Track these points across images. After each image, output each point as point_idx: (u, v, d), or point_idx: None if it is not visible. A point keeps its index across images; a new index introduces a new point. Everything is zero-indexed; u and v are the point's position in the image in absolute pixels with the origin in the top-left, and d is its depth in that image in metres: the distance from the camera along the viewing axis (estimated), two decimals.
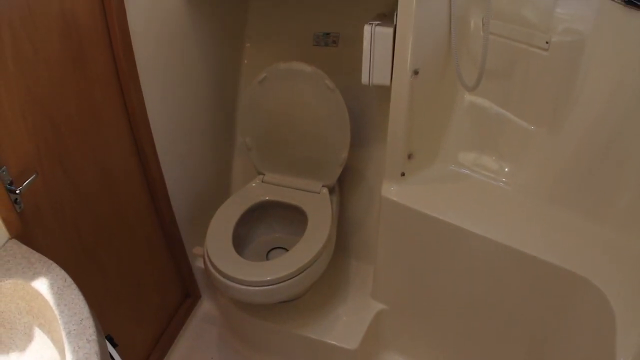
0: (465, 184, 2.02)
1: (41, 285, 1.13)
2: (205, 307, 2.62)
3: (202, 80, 2.25)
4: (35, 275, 1.16)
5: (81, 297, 1.10)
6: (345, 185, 2.49)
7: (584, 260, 1.72)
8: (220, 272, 1.95)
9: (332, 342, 2.19)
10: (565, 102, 1.87)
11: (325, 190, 2.30)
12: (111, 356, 1.24)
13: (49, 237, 1.58)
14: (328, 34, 2.27)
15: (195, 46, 2.15)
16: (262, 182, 2.36)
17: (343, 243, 2.59)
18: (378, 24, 1.77)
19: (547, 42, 1.85)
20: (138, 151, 1.97)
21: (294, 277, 1.95)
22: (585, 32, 1.81)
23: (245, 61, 2.48)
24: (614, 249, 1.77)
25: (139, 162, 1.99)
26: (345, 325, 2.25)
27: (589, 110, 1.83)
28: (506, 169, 2.02)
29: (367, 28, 1.77)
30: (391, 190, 1.95)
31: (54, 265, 1.20)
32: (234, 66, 2.45)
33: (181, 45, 2.07)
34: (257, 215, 2.33)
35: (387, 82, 1.79)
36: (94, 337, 1.02)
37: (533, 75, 1.90)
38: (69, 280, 1.15)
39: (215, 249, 2.03)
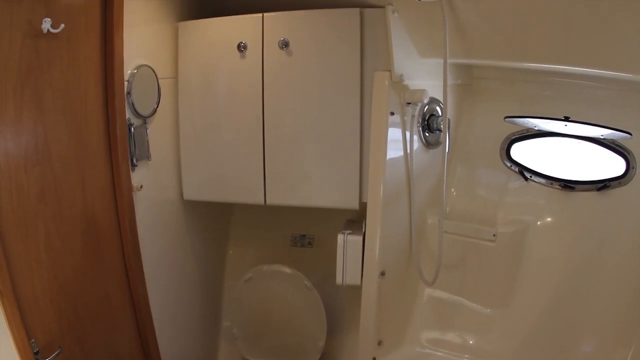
0: None
1: None
2: None
3: (194, 279, 2.52)
4: None
5: None
6: None
7: None
8: None
9: None
10: (513, 282, 2.19)
11: None
12: None
13: None
14: (304, 235, 2.60)
15: (189, 248, 2.46)
16: None
17: None
18: (350, 233, 2.10)
19: (494, 235, 2.20)
20: (140, 335, 2.18)
21: None
22: (528, 220, 2.18)
23: (230, 252, 2.76)
24: None
25: (140, 347, 2.18)
26: None
27: (535, 287, 2.16)
28: (468, 347, 2.28)
29: (340, 237, 2.09)
30: None
31: None
32: (220, 265, 2.73)
33: (178, 246, 2.39)
34: None
35: (358, 282, 2.09)
36: None
37: (483, 265, 2.24)
38: None
39: None
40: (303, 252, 2.63)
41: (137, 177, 2.08)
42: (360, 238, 2.08)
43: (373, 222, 2.02)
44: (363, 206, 2.12)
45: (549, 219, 2.20)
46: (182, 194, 2.36)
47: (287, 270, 2.38)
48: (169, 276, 2.34)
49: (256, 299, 2.46)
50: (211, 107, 2.28)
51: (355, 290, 2.11)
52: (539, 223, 2.20)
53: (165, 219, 2.31)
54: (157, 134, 2.21)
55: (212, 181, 2.31)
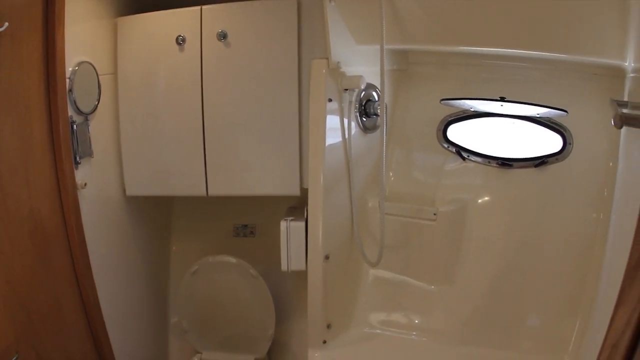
0: (380, 342, 2.30)
1: None
2: None
3: (141, 275, 2.52)
4: None
5: None
6: (274, 357, 2.73)
7: None
8: None
9: None
10: (456, 259, 2.25)
11: None
12: None
13: None
14: (246, 225, 2.61)
15: (134, 244, 2.46)
16: None
17: None
18: (292, 220, 2.12)
19: (434, 214, 2.25)
20: (93, 335, 2.17)
21: None
22: (467, 199, 2.23)
23: (174, 247, 2.75)
24: None
25: (94, 347, 2.18)
26: None
27: (478, 262, 2.21)
28: (415, 325, 2.32)
29: (283, 224, 2.12)
30: (316, 357, 2.19)
31: None
32: (165, 260, 2.73)
33: (123, 243, 2.39)
34: None
35: (303, 268, 2.12)
36: None
37: (426, 244, 2.29)
38: None
39: None
40: (246, 242, 2.66)
41: (81, 174, 2.07)
42: (302, 224, 2.11)
43: (315, 207, 2.05)
44: (304, 192, 2.16)
45: (488, 197, 2.26)
46: (124, 190, 2.35)
47: (232, 260, 2.40)
48: (116, 274, 2.33)
49: (203, 291, 2.47)
50: (151, 101, 2.28)
51: (301, 276, 2.14)
52: (478, 201, 2.26)
53: (109, 216, 2.31)
54: (99, 130, 2.20)
55: (153, 176, 2.31)
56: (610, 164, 2.05)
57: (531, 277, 2.20)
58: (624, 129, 1.74)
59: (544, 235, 2.20)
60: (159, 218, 2.70)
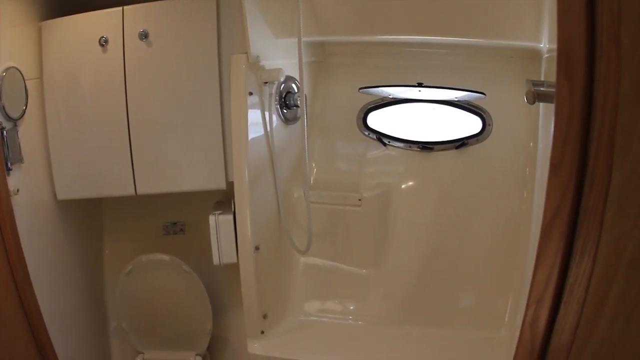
0: (317, 329, 2.36)
1: None
2: None
3: (77, 279, 2.52)
4: None
5: None
6: (215, 350, 2.75)
7: None
8: None
9: None
10: (383, 242, 2.30)
11: (198, 359, 2.56)
12: None
13: None
14: (175, 223, 2.63)
15: (67, 249, 2.45)
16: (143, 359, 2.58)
17: None
18: (220, 213, 2.15)
19: (359, 200, 2.31)
20: (36, 343, 2.13)
21: None
22: (391, 183, 2.29)
23: (107, 251, 2.75)
24: (460, 346, 2.17)
25: (39, 355, 2.16)
26: None
27: (406, 243, 2.27)
28: (351, 309, 2.38)
29: (211, 218, 2.15)
30: (255, 347, 2.23)
31: None
32: (98, 262, 2.72)
33: (57, 248, 2.38)
34: None
35: (235, 260, 2.15)
36: None
37: (353, 230, 2.34)
38: None
39: None
40: (177, 240, 2.68)
41: (13, 181, 2.05)
42: (230, 217, 2.14)
43: (241, 200, 2.09)
44: (230, 185, 2.19)
45: (412, 181, 2.33)
46: (55, 194, 2.35)
47: (165, 257, 2.41)
48: (53, 280, 2.32)
49: (140, 291, 2.48)
50: (76, 104, 2.28)
51: (234, 269, 2.17)
52: (402, 186, 2.33)
53: (42, 221, 2.30)
54: (28, 135, 2.18)
55: (83, 178, 2.31)
56: (531, 144, 2.13)
57: (461, 258, 2.28)
58: (542, 109, 1.80)
59: (471, 216, 2.27)
60: (90, 220, 2.69)
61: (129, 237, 2.71)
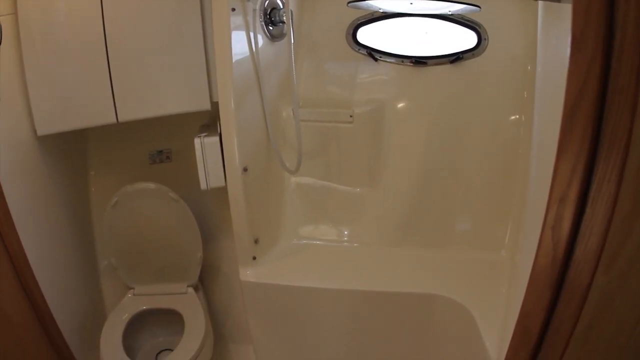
0: (311, 252, 2.31)
1: None
2: None
3: (62, 217, 2.42)
4: None
5: None
6: (207, 280, 2.71)
7: (436, 281, 2.06)
8: None
9: None
10: (377, 159, 2.24)
11: (191, 290, 2.51)
12: None
13: None
14: (161, 151, 2.54)
15: (52, 186, 2.35)
16: (134, 295, 2.52)
17: (219, 331, 2.78)
18: (205, 136, 2.07)
19: (350, 116, 2.24)
20: (22, 286, 2.07)
21: None
22: (383, 99, 2.21)
23: (93, 189, 2.66)
24: (457, 266, 2.14)
25: (25, 298, 2.11)
26: None
27: (400, 161, 2.21)
28: (345, 231, 2.33)
29: (197, 141, 2.07)
30: (248, 274, 2.19)
31: None
32: (84, 198, 2.63)
33: (40, 186, 2.28)
34: (138, 325, 2.47)
35: (223, 183, 2.08)
36: None
37: (345, 147, 2.28)
38: None
39: None
40: (164, 168, 2.59)
41: None
42: (216, 138, 2.06)
43: (227, 119, 2.00)
44: (215, 106, 2.10)
45: (405, 96, 2.25)
46: (35, 132, 2.26)
47: (151, 185, 2.33)
48: (37, 220, 2.24)
49: (127, 223, 2.40)
50: (53, 35, 2.16)
51: (222, 193, 2.10)
52: (395, 102, 2.25)
53: (22, 160, 2.20)
54: (4, 73, 2.08)
55: (62, 111, 2.20)
56: (529, 68, 2.06)
57: (458, 179, 2.22)
58: (540, 27, 1.72)
59: (467, 135, 2.21)
60: (74, 156, 2.58)
61: (115, 171, 2.61)
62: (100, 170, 2.63)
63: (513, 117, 2.13)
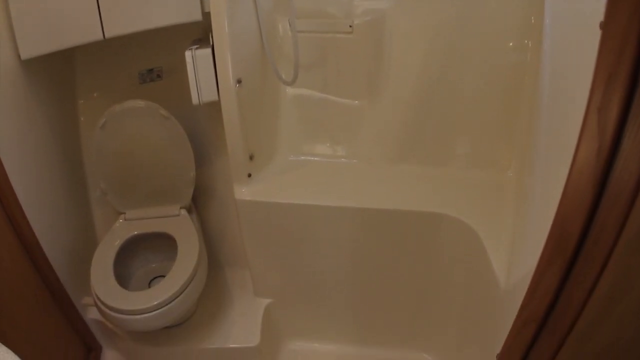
0: (308, 169, 2.27)
1: None
2: (109, 356, 2.63)
3: (50, 143, 2.34)
4: None
5: None
6: (200, 202, 2.65)
7: (440, 200, 2.03)
8: (115, 309, 2.05)
9: (234, 345, 2.37)
10: (377, 72, 2.18)
11: (183, 212, 2.46)
12: None
13: None
14: (151, 69, 2.44)
15: (38, 114, 2.27)
16: (125, 220, 2.47)
17: (213, 255, 2.76)
18: (197, 48, 1.99)
19: (350, 26, 2.17)
20: (9, 219, 2.00)
21: (178, 295, 2.10)
22: (384, 8, 2.14)
23: (82, 118, 2.56)
24: (461, 185, 2.10)
25: (13, 230, 2.04)
26: (240, 327, 2.42)
27: (401, 75, 2.15)
28: (344, 147, 2.28)
29: (188, 53, 1.98)
30: (243, 192, 2.15)
31: None
32: (73, 122, 2.54)
33: (26, 114, 2.19)
34: (130, 252, 2.43)
35: (216, 97, 2.01)
36: None
37: (344, 59, 2.21)
38: None
39: (104, 293, 2.11)
40: (154, 87, 2.48)
41: None
42: (209, 50, 1.98)
43: (219, 29, 1.92)
44: (207, 17, 2.01)
45: (406, 6, 2.16)
46: (19, 55, 2.15)
47: (141, 103, 2.24)
48: (24, 149, 2.15)
49: (116, 145, 2.32)
50: None
51: (215, 109, 2.03)
52: (397, 12, 2.16)
53: (6, 86, 2.09)
54: None
55: (46, 30, 2.08)
56: None
57: (459, 97, 2.15)
58: None
59: (468, 49, 2.13)
60: (62, 82, 2.47)
61: (104, 93, 2.49)
62: (88, 94, 2.52)
63: (520, 42, 2.04)
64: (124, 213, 2.48)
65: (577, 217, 0.86)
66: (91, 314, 2.52)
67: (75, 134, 2.54)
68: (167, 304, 2.07)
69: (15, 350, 1.13)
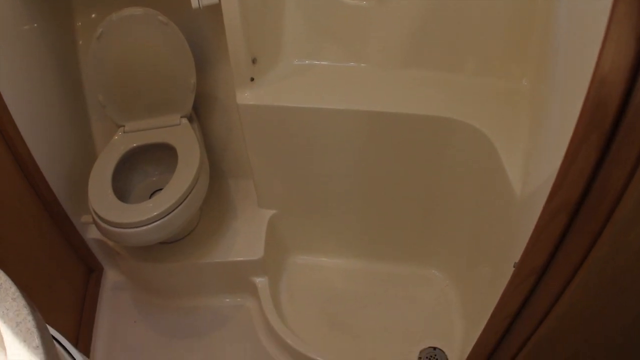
0: (314, 73, 2.21)
1: None
2: (111, 275, 2.65)
3: (45, 58, 2.27)
4: None
5: None
6: (202, 112, 2.59)
7: (452, 105, 1.98)
8: (113, 223, 2.03)
9: (239, 258, 2.36)
10: None
11: (184, 121, 2.40)
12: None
13: None
14: None
15: (32, 30, 2.18)
16: (124, 132, 2.41)
17: (216, 165, 2.73)
18: None
19: None
20: (4, 138, 1.96)
21: (178, 206, 2.08)
22: None
23: (81, 42, 2.48)
24: (473, 92, 2.04)
25: (8, 150, 1.99)
26: (244, 239, 2.42)
27: None
28: (350, 50, 2.20)
29: None
30: (245, 97, 2.09)
31: None
32: (67, 36, 2.44)
33: (19, 31, 2.10)
34: (129, 165, 2.39)
35: (217, 0, 1.91)
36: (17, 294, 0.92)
37: None
38: None
39: (101, 207, 2.07)
40: None
41: None
42: None
43: None
44: None
45: None
46: None
47: (138, 10, 2.15)
48: (18, 67, 2.08)
49: (114, 56, 2.24)
50: None
51: (216, 12, 1.94)
52: None
53: (4, 13, 2.00)
54: None
55: None
56: None
57: (467, 13, 2.05)
58: None
59: None
60: (58, 2, 2.36)
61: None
62: (87, 18, 2.42)
63: None
64: (123, 126, 2.42)
65: (617, 77, 0.67)
66: (91, 234, 2.50)
67: (70, 42, 2.45)
68: (166, 215, 2.05)
69: (13, 274, 1.07)
